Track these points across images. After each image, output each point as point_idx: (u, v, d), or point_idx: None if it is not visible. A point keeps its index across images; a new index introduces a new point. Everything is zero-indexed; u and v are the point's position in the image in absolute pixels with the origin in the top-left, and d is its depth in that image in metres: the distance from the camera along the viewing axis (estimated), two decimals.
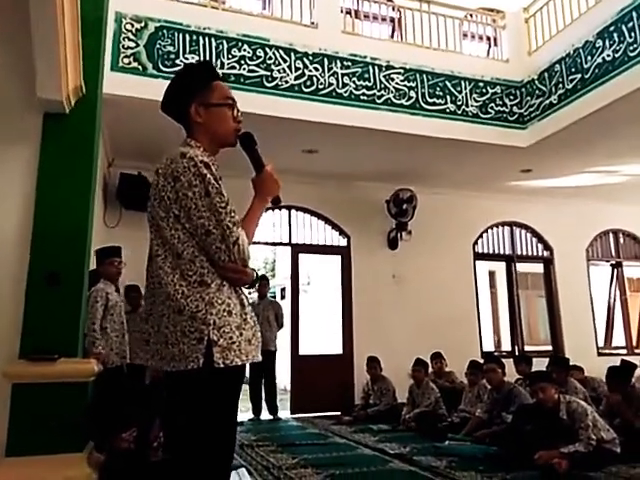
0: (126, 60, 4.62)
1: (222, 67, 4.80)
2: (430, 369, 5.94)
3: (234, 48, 4.94)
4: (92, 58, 3.25)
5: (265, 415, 6.11)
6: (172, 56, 4.74)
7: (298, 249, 7.00)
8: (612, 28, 4.80)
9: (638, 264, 8.71)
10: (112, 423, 3.13)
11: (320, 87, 5.17)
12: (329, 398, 6.37)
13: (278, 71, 5.04)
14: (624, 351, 8.02)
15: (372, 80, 5.39)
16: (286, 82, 5.04)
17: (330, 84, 5.21)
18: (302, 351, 6.74)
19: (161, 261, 1.44)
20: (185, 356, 1.36)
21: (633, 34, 4.57)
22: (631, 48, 4.58)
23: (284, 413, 6.29)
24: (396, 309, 6.97)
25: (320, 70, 5.20)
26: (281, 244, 7.11)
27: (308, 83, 5.13)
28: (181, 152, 1.46)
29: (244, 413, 6.40)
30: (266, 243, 7.19)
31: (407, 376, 5.72)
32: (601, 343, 8.16)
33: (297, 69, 5.12)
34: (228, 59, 4.88)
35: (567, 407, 3.68)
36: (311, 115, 5.06)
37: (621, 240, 8.61)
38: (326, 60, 5.24)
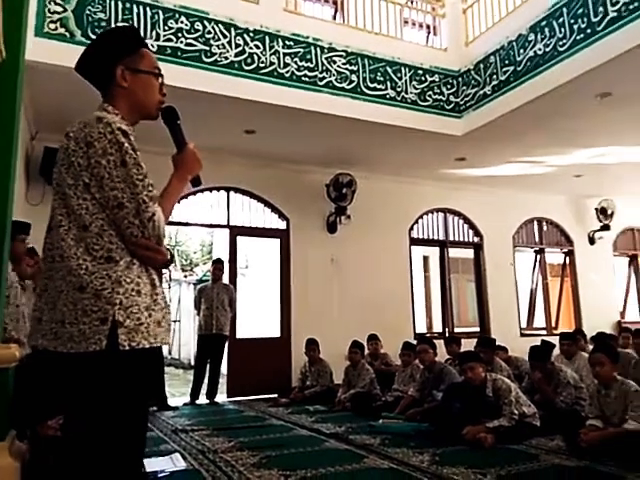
0: (52, 25, 4.29)
1: (157, 39, 4.58)
2: (366, 351, 6.07)
3: (171, 19, 4.71)
4: (13, 20, 2.98)
5: (201, 400, 6.02)
6: (103, 24, 4.45)
7: (236, 231, 6.89)
8: (544, 23, 5.01)
9: (558, 250, 9.29)
10: (37, 410, 2.96)
11: (261, 66, 5.05)
12: (266, 381, 6.37)
13: (217, 46, 4.86)
14: (544, 332, 8.56)
15: (314, 62, 5.33)
16: (226, 58, 4.88)
17: (271, 63, 5.10)
18: (239, 334, 6.68)
19: (64, 232, 1.33)
20: (85, 337, 1.27)
21: (563, 29, 4.79)
22: (561, 43, 4.80)
23: (220, 397, 6.23)
24: (334, 292, 7.05)
25: (261, 48, 5.08)
26: (219, 226, 6.97)
27: (249, 61, 5.00)
28: (97, 116, 1.36)
29: (179, 398, 6.29)
30: (203, 225, 7.02)
31: (344, 358, 5.81)
32: (524, 324, 8.66)
33: (237, 45, 4.97)
34: (164, 31, 4.65)
35: (493, 384, 3.88)
36: (251, 94, 4.93)
37: (544, 228, 9.14)
38: (267, 38, 5.12)
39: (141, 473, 1.43)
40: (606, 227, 8.98)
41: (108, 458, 1.28)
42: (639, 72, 4.51)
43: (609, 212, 8.94)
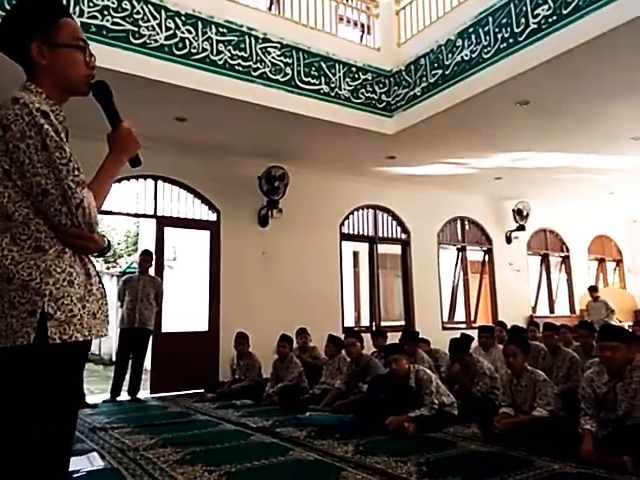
0: None
1: (81, 15, 4.31)
2: (295, 344, 6.09)
3: None
4: None
5: (123, 396, 5.78)
6: None
7: (164, 222, 6.66)
8: (471, 30, 5.23)
9: (479, 248, 9.79)
10: None
11: (193, 51, 4.90)
12: (193, 376, 6.23)
13: (147, 28, 4.65)
14: (464, 325, 9.00)
15: (248, 51, 5.25)
16: (155, 41, 4.68)
17: (204, 49, 4.96)
18: (165, 328, 6.48)
19: None
20: (13, 331, 1.20)
21: (488, 37, 5.02)
22: (485, 50, 5.04)
23: (143, 393, 6.01)
24: (264, 286, 7.01)
25: (193, 33, 4.92)
26: (145, 216, 6.70)
27: (180, 45, 4.82)
28: (13, 97, 1.26)
29: (98, 395, 6.01)
30: (128, 214, 6.72)
31: (274, 352, 5.80)
32: (445, 318, 9.06)
33: (168, 29, 4.78)
34: (89, 7, 4.38)
35: (416, 375, 4.03)
36: (182, 80, 4.77)
37: (466, 226, 9.59)
38: (200, 23, 4.97)
39: (66, 478, 1.35)
40: (521, 227, 9.58)
41: (34, 460, 1.21)
42: (554, 83, 4.84)
43: (524, 213, 9.54)
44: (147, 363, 6.15)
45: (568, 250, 10.84)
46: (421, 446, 3.35)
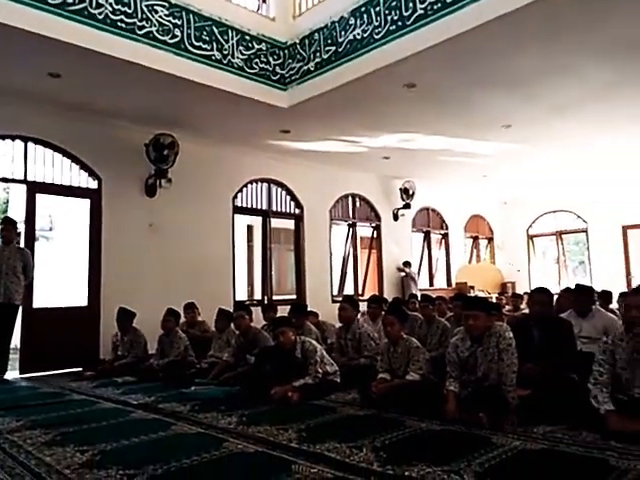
0: None
1: None
2: (182, 319, 5.95)
3: None
4: None
5: None
6: None
7: (35, 188, 6.07)
8: (363, 9, 5.30)
9: (368, 224, 10.19)
10: None
11: (69, 2, 4.43)
12: (70, 354, 5.87)
13: None
14: None
15: (132, 7, 4.87)
16: None
17: (81, 1, 4.51)
18: (38, 303, 5.99)
19: None
20: None
21: (379, 18, 5.14)
22: (376, 31, 5.16)
23: (12, 374, 5.54)
24: (151, 259, 6.73)
25: None
26: (14, 181, 6.06)
27: None
28: None
29: None
30: None
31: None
32: (335, 292, 9.37)
33: None
34: None
35: (302, 347, 4.15)
36: (55, 32, 4.31)
37: (357, 203, 9.92)
38: None
39: None
40: (407, 206, 10.12)
41: None
42: (437, 68, 5.11)
43: (410, 192, 10.07)
44: (16, 341, 5.66)
45: (447, 228, 11.67)
46: (303, 414, 3.46)
